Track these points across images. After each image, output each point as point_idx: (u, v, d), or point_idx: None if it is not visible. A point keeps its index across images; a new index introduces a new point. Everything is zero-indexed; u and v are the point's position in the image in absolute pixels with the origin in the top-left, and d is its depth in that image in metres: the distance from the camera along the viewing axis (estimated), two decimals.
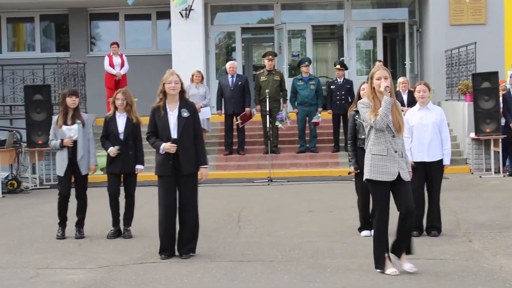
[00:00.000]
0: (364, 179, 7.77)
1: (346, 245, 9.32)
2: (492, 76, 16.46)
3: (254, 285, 7.45)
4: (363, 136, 9.72)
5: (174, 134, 8.63)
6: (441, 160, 9.78)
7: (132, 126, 10.25)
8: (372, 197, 7.78)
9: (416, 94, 9.85)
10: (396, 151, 7.45)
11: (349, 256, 8.70)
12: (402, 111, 7.93)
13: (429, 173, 9.75)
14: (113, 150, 10.20)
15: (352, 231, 10.14)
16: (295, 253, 8.91)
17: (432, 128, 9.71)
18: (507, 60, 19.92)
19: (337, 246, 9.25)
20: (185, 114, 8.65)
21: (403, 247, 7.74)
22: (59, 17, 24.39)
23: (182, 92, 8.73)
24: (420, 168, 9.70)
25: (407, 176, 7.55)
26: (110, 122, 10.32)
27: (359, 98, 9.88)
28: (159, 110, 8.71)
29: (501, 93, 16.58)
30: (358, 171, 9.84)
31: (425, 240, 9.51)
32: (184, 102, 8.75)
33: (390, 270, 7.64)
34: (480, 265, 8.01)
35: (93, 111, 19.81)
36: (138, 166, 10.31)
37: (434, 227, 9.79)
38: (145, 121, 19.91)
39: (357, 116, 9.81)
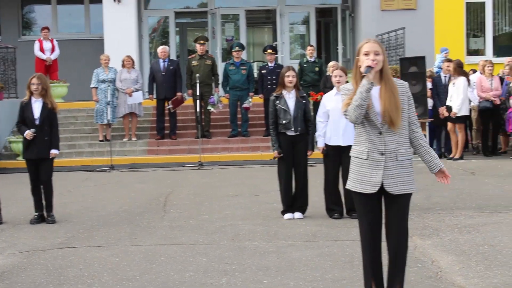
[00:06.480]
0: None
1: (267, 227, 9.44)
2: (419, 61, 16.68)
3: (172, 268, 7.51)
4: (284, 121, 9.86)
5: None
6: None
7: (48, 111, 10.17)
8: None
9: (333, 79, 9.95)
10: (383, 153, 5.50)
11: (268, 238, 8.82)
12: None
13: (344, 158, 9.85)
14: (29, 133, 10.11)
15: (276, 214, 10.27)
16: (216, 236, 9.00)
17: None
18: (437, 45, 20.23)
19: (258, 229, 9.35)
20: None
21: None
22: None
23: None
24: (336, 154, 9.89)
25: (397, 188, 5.55)
26: (26, 108, 10.26)
27: (283, 83, 9.97)
28: None
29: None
30: (282, 155, 9.99)
31: (345, 222, 9.70)
32: None
33: None
34: None
35: (24, 96, 19.47)
36: (53, 151, 10.18)
37: (355, 210, 9.95)
38: (75, 106, 19.81)
39: (277, 102, 9.92)
